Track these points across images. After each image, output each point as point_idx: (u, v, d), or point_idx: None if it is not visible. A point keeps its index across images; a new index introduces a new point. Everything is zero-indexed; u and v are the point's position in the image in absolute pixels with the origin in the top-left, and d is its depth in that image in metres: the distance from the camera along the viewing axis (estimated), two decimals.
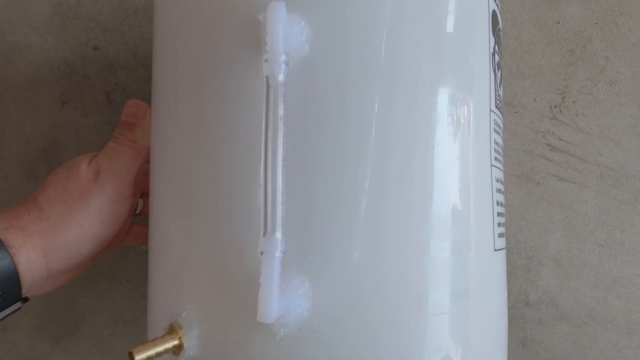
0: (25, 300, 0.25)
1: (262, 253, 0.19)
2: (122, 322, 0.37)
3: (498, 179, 0.25)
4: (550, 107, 0.40)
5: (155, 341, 0.20)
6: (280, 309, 0.18)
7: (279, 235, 0.19)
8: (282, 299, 0.19)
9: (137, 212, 0.32)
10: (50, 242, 0.24)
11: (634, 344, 0.37)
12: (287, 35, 0.19)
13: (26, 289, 0.24)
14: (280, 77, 0.19)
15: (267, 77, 0.19)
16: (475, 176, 0.23)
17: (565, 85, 0.41)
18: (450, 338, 0.21)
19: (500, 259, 0.25)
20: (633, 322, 0.37)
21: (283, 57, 0.19)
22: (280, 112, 0.19)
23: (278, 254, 0.19)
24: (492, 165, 0.24)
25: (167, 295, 0.23)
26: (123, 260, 0.38)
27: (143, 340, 0.37)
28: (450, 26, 0.23)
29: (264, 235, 0.19)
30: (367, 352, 0.20)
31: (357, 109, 0.21)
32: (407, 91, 0.21)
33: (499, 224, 0.25)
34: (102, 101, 0.40)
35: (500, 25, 0.28)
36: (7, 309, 0.24)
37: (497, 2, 0.27)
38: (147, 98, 0.28)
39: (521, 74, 0.41)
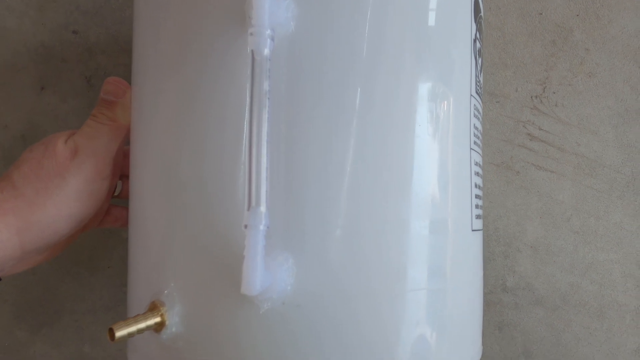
0: None
1: (246, 227, 0.19)
2: (103, 309, 0.37)
3: (477, 162, 0.26)
4: (531, 97, 0.41)
5: (137, 318, 0.20)
6: (264, 282, 0.19)
7: (263, 209, 0.19)
8: (267, 273, 0.19)
9: (115, 194, 0.32)
10: (25, 221, 0.23)
11: (605, 326, 0.38)
12: (273, 10, 0.19)
13: None
14: (266, 52, 0.19)
15: (252, 51, 0.19)
16: (454, 158, 0.24)
17: (546, 76, 0.41)
18: (427, 314, 0.22)
19: (477, 239, 0.26)
20: (604, 306, 0.38)
21: (269, 32, 0.19)
22: (265, 87, 0.19)
23: (262, 227, 0.19)
24: (471, 148, 0.25)
25: (148, 273, 0.23)
26: (103, 247, 0.38)
27: None
28: (432, 12, 0.23)
29: (248, 209, 0.19)
30: (348, 327, 0.20)
31: (340, 89, 0.21)
32: (388, 74, 0.22)
33: (477, 206, 0.26)
34: (82, 86, 0.39)
35: (482, 13, 0.28)
36: None
37: None
38: (128, 82, 0.28)
39: (503, 64, 0.41)
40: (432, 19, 0.23)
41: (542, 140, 0.41)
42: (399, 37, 0.22)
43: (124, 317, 0.37)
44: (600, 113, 0.41)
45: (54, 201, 0.24)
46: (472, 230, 0.25)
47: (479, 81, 0.27)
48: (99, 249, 0.37)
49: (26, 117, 0.39)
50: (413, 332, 0.21)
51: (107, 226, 0.32)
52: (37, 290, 0.37)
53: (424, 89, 0.22)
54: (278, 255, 0.20)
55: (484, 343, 0.37)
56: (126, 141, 0.27)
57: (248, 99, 0.19)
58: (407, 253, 0.21)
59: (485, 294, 0.38)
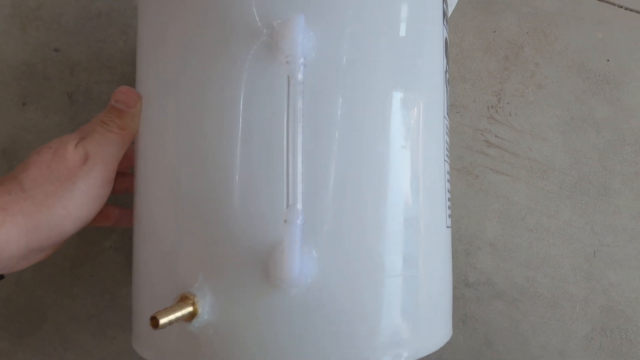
0: (1, 277, 0.25)
1: (285, 221, 0.22)
2: (86, 317, 0.38)
3: (447, 171, 0.31)
4: (488, 107, 0.45)
5: (173, 307, 0.22)
6: (301, 270, 0.22)
7: (299, 206, 0.22)
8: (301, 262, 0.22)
9: None
10: (34, 222, 0.24)
11: (558, 315, 0.42)
12: (303, 42, 0.23)
13: (2, 266, 0.24)
14: (300, 76, 0.23)
15: (288, 76, 0.23)
16: (432, 169, 0.28)
17: (501, 88, 0.45)
18: (403, 297, 0.25)
19: (448, 235, 0.30)
20: (557, 297, 0.42)
21: (302, 60, 0.23)
22: (300, 105, 0.23)
23: (299, 222, 0.22)
24: (444, 160, 0.30)
25: (172, 270, 0.25)
26: (86, 257, 0.39)
27: (110, 335, 0.39)
28: (420, 55, 0.28)
29: (287, 207, 0.22)
30: (355, 309, 0.24)
31: (332, 107, 0.24)
32: (376, 101, 0.26)
33: (449, 207, 0.30)
34: (63, 102, 0.41)
35: (449, 50, 0.33)
36: None
37: (447, 29, 0.32)
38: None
39: (462, 77, 0.45)
40: (421, 65, 0.28)
41: (498, 147, 0.44)
42: (386, 79, 0.26)
43: (108, 324, 0.38)
44: (550, 121, 0.45)
45: (63, 204, 0.25)
46: (446, 227, 0.29)
47: (448, 104, 0.32)
48: (81, 258, 0.39)
49: (8, 131, 0.40)
50: (393, 312, 0.25)
51: (99, 225, 0.33)
52: (19, 301, 0.38)
53: (407, 112, 0.26)
54: (303, 247, 0.23)
55: None
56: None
57: (285, 116, 0.23)
58: (385, 245, 0.25)
59: None
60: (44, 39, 0.41)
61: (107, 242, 0.39)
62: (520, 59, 0.46)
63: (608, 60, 0.47)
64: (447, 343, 0.40)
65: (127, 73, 0.42)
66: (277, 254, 0.22)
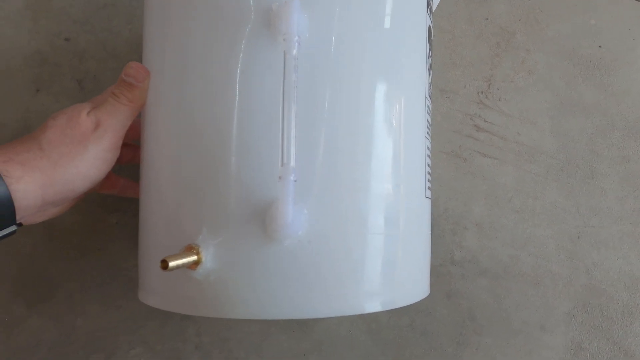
0: (19, 225, 0.29)
1: (280, 178, 0.25)
2: (95, 287, 0.41)
3: (428, 147, 0.33)
4: (478, 93, 0.46)
5: (181, 254, 0.25)
6: (292, 222, 0.25)
7: (293, 164, 0.25)
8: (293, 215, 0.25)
9: None
10: (49, 178, 0.27)
11: (540, 292, 0.43)
12: (298, 22, 0.26)
13: (20, 215, 0.27)
14: (294, 52, 0.26)
15: (284, 52, 0.26)
16: (412, 142, 0.31)
17: (491, 74, 0.47)
18: (384, 253, 0.28)
19: (427, 204, 0.33)
20: (540, 275, 0.43)
21: (297, 38, 0.26)
22: (294, 78, 0.26)
23: (292, 178, 0.25)
24: (425, 136, 0.32)
25: (177, 224, 0.27)
26: (92, 232, 0.42)
27: (116, 304, 0.42)
28: (404, 45, 0.30)
29: (282, 165, 0.25)
30: (340, 260, 0.27)
31: (322, 80, 0.27)
32: (362, 78, 0.28)
33: (428, 180, 0.33)
34: (73, 88, 0.44)
35: (432, 37, 0.36)
36: (3, 230, 0.27)
37: (431, 18, 0.35)
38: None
39: (453, 63, 0.46)
40: (404, 53, 0.30)
41: (487, 131, 0.46)
42: (379, 54, 0.28)
43: (116, 293, 0.41)
44: (539, 106, 0.46)
45: (75, 164, 0.28)
46: (425, 197, 0.32)
47: (430, 87, 0.35)
48: (89, 233, 0.42)
49: (23, 115, 0.43)
50: (376, 265, 0.27)
51: (104, 191, 0.36)
52: (33, 270, 0.41)
53: (392, 93, 0.29)
54: (296, 204, 0.26)
55: (434, 309, 0.42)
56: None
57: (282, 86, 0.26)
58: (368, 205, 0.28)
59: (435, 266, 0.43)
60: (54, 29, 0.44)
61: (112, 218, 0.42)
62: (511, 45, 0.47)
63: (600, 47, 0.47)
64: (432, 316, 0.42)
65: (132, 60, 0.44)
66: (273, 208, 0.25)
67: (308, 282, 0.26)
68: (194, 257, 0.25)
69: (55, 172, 0.28)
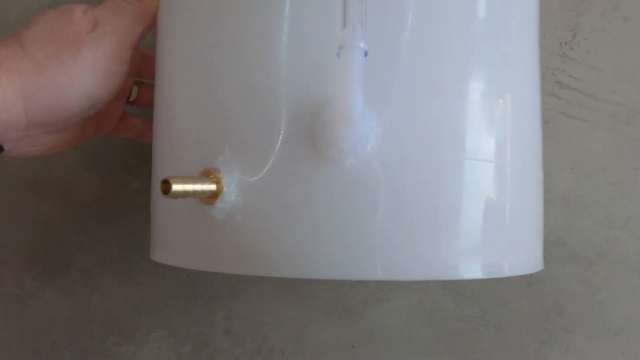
0: (1, 149, 0.23)
1: (340, 47, 0.16)
2: (111, 260, 0.37)
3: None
4: (560, 44, 0.39)
5: (194, 178, 0.18)
6: (359, 130, 0.16)
7: (361, 28, 0.16)
8: (362, 111, 0.16)
9: (130, 99, 0.31)
10: (31, 84, 0.22)
11: None
12: None
13: (2, 132, 0.22)
14: None
15: None
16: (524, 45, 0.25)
17: (577, 22, 0.39)
18: (487, 192, 0.20)
19: (540, 138, 0.25)
20: None
21: None
22: None
23: (363, 45, 0.16)
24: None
25: (192, 142, 0.20)
26: (112, 198, 0.37)
27: (135, 280, 0.37)
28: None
29: (344, 28, 0.16)
30: (427, 196, 0.19)
31: None
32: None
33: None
34: None
35: None
36: None
37: None
38: None
39: None
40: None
41: (573, 89, 0.38)
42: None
43: (133, 267, 0.36)
44: (638, 59, 0.38)
45: (66, 69, 0.22)
46: (540, 126, 0.24)
47: None
48: (107, 199, 0.37)
49: None
50: (475, 201, 0.19)
51: (120, 134, 0.31)
52: (47, 240, 0.37)
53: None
54: (367, 116, 0.17)
55: (510, 299, 0.35)
56: (148, 31, 0.25)
57: None
58: (465, 122, 0.19)
59: None
60: None
61: (134, 183, 0.37)
62: None
63: None
64: (509, 307, 0.35)
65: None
66: (328, 111, 0.17)
67: (380, 229, 0.18)
68: (212, 187, 0.18)
69: (39, 76, 0.22)
